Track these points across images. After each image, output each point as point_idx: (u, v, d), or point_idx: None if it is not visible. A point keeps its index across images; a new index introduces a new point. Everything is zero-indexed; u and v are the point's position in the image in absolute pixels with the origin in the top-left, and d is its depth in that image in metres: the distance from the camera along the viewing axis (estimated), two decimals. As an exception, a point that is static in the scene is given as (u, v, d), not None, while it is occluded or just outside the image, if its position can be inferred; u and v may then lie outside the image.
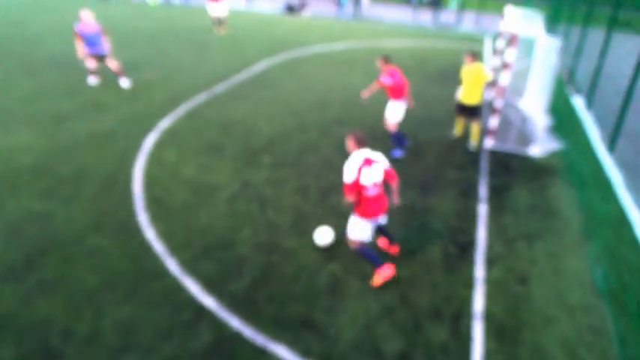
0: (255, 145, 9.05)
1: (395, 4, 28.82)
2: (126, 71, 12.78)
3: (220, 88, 12.07)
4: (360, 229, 5.33)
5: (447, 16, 25.76)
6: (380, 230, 5.84)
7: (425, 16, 25.43)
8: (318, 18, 22.92)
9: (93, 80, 12.00)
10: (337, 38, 18.75)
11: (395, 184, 5.39)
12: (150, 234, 6.24)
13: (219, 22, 19.06)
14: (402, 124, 9.50)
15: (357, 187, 5.06)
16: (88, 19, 11.16)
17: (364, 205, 5.20)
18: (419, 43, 19.23)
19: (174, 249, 5.97)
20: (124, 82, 11.86)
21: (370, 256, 5.47)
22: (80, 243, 6.03)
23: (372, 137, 9.67)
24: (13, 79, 11.92)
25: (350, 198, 5.11)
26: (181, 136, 9.27)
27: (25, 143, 8.64)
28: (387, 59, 8.28)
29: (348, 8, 24.33)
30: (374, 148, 9.11)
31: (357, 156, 5.11)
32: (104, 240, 6.10)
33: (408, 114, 10.31)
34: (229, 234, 6.33)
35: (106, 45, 11.55)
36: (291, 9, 24.12)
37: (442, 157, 8.96)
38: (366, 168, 5.04)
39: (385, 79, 8.31)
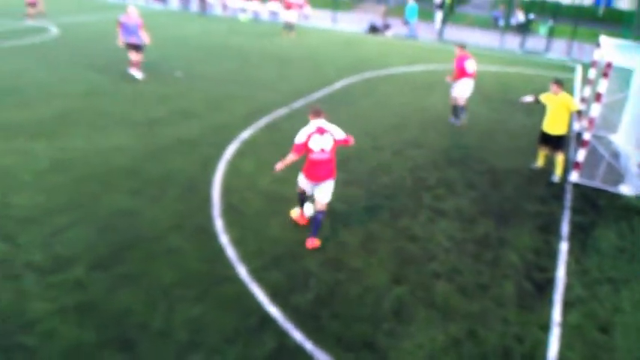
0: (330, 162, 9.18)
1: (480, 27, 28.19)
2: (216, 83, 13.55)
3: (299, 103, 12.43)
4: (302, 182, 6.56)
5: (536, 42, 24.77)
6: (314, 219, 6.48)
7: (512, 41, 24.63)
8: (401, 39, 22.96)
9: (135, 73, 13.57)
10: (418, 60, 18.66)
11: (350, 143, 6.60)
12: (224, 239, 6.52)
13: (289, 27, 21.48)
14: (483, 148, 9.24)
15: (304, 149, 6.14)
16: (132, 13, 13.05)
17: (308, 166, 6.30)
18: (504, 68, 18.65)
19: (245, 256, 6.19)
20: (136, 74, 13.75)
21: (302, 200, 6.84)
22: (161, 241, 6.43)
23: (447, 161, 9.50)
24: (117, 86, 13.04)
25: (295, 156, 6.18)
26: (260, 148, 9.64)
27: (122, 145, 9.40)
28: (462, 46, 11.32)
29: (414, 28, 24.10)
30: (450, 173, 8.96)
31: (312, 124, 6.18)
32: (183, 241, 6.46)
33: (490, 140, 10.02)
34: (298, 247, 6.45)
35: (143, 37, 13.28)
36: (374, 29, 24.37)
37: (522, 188, 8.59)
38: (317, 135, 6.13)
39: (462, 62, 11.12)
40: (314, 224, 6.44)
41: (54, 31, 19.66)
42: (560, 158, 8.78)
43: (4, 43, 17.05)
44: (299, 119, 11.30)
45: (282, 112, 11.73)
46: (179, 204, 7.38)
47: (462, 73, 11.21)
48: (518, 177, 9.01)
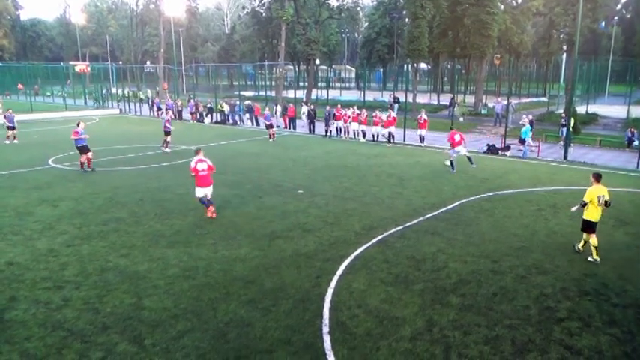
0: (445, 284, 8.78)
1: (609, 148, 26.47)
2: (334, 200, 14.22)
3: (414, 222, 12.38)
4: (198, 192, 12.34)
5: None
6: (206, 202, 12.45)
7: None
8: (522, 160, 22.33)
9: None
10: (540, 180, 17.82)
11: (212, 171, 12.41)
12: None
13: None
14: (623, 278, 8.15)
15: (195, 170, 12.11)
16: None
17: (198, 179, 12.23)
18: (644, 189, 16.91)
19: (352, 380, 5.91)
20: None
21: (203, 203, 12.48)
22: (270, 355, 6.47)
23: (580, 290, 8.51)
24: (245, 201, 14.33)
25: (193, 174, 12.20)
26: (372, 265, 9.61)
27: (243, 255, 10.05)
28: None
29: (527, 148, 23.22)
30: (584, 304, 7.97)
31: (196, 158, 12.24)
32: (289, 357, 6.43)
33: (630, 269, 8.85)
34: (408, 375, 6.03)
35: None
36: (492, 150, 24.18)
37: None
38: (200, 163, 12.17)
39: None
40: (207, 204, 12.48)
41: (199, 153, 22.69)
42: None
43: (161, 163, 20.02)
44: (412, 238, 11.20)
45: (395, 230, 11.75)
46: (290, 317, 7.48)
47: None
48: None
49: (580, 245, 10.40)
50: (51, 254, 10.06)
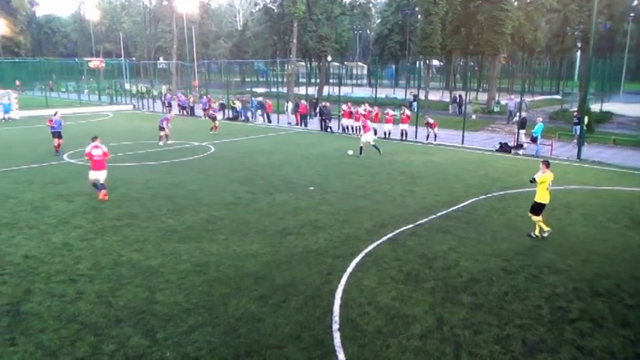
0: (456, 282, 8.76)
1: (624, 147, 26.05)
2: (345, 197, 14.23)
3: (425, 220, 12.34)
4: (91, 174, 13.72)
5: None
6: (99, 185, 13.70)
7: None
8: (534, 157, 22.09)
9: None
10: (554, 179, 17.64)
11: (106, 157, 13.91)
12: (341, 357, 6.39)
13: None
14: (638, 279, 8.06)
15: (90, 155, 13.59)
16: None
17: (92, 163, 13.63)
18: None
19: (362, 377, 5.94)
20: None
21: (96, 187, 13.72)
22: (280, 351, 6.52)
23: (592, 291, 8.43)
24: (256, 197, 14.39)
25: (87, 158, 13.77)
26: (383, 262, 9.61)
27: (254, 251, 10.11)
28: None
29: (540, 145, 22.98)
30: (596, 305, 7.90)
31: (92, 144, 13.70)
32: (300, 353, 6.47)
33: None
34: (418, 373, 6.04)
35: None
36: (505, 148, 23.97)
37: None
38: (95, 149, 13.60)
39: None
40: (99, 187, 13.71)
41: (212, 149, 22.82)
42: None
43: (173, 159, 20.18)
44: (423, 236, 11.17)
45: (406, 227, 11.73)
46: (300, 314, 7.52)
47: None
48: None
49: (537, 232, 11.15)
50: (65, 248, 10.21)
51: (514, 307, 7.88)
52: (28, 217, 12.29)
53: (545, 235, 11.03)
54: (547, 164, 11.36)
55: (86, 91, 53.87)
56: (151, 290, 8.30)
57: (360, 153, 20.77)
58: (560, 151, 23.68)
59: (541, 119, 23.72)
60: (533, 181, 11.28)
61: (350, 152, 21.12)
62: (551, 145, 23.71)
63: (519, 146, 23.92)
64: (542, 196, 11.17)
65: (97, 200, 13.71)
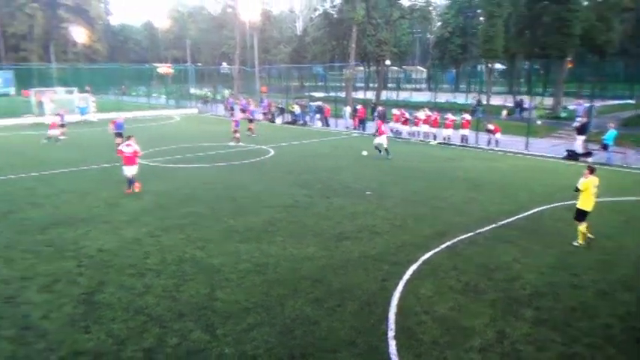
0: (518, 295, 8.43)
1: None
2: (402, 202, 14.08)
3: (487, 228, 11.95)
4: (125, 171, 15.17)
5: None
6: (131, 181, 15.14)
7: None
8: (605, 166, 20.79)
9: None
10: (628, 189, 16.53)
11: (137, 155, 15.31)
12: (397, 364, 6.34)
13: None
14: None
15: (121, 152, 15.22)
16: None
17: (124, 159, 15.06)
18: None
19: (418, 386, 5.86)
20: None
21: (130, 182, 15.14)
22: (334, 355, 6.56)
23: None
24: (314, 201, 14.56)
25: (119, 154, 15.43)
26: (441, 271, 9.42)
27: (311, 254, 10.24)
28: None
29: (611, 153, 21.45)
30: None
31: (126, 142, 15.41)
32: (354, 359, 6.49)
33: None
34: (477, 387, 5.87)
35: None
36: (573, 156, 22.73)
37: None
38: (126, 147, 15.12)
39: None
40: (132, 180, 15.09)
41: (272, 152, 23.33)
42: None
43: (235, 162, 20.83)
44: (484, 245, 10.83)
45: (466, 236, 11.42)
46: (355, 319, 7.53)
47: None
48: None
49: (580, 240, 10.83)
50: (136, 243, 10.83)
51: (582, 324, 7.48)
52: (102, 213, 13.14)
53: (575, 244, 10.80)
54: (591, 170, 11.07)
55: (155, 95, 56.73)
56: (212, 287, 8.62)
57: (381, 152, 21.75)
58: (635, 159, 22.14)
59: (613, 125, 22.31)
60: (577, 190, 10.96)
61: (364, 153, 21.86)
62: (625, 153, 22.23)
63: (588, 154, 22.61)
64: (586, 203, 10.82)
65: (164, 199, 14.42)
